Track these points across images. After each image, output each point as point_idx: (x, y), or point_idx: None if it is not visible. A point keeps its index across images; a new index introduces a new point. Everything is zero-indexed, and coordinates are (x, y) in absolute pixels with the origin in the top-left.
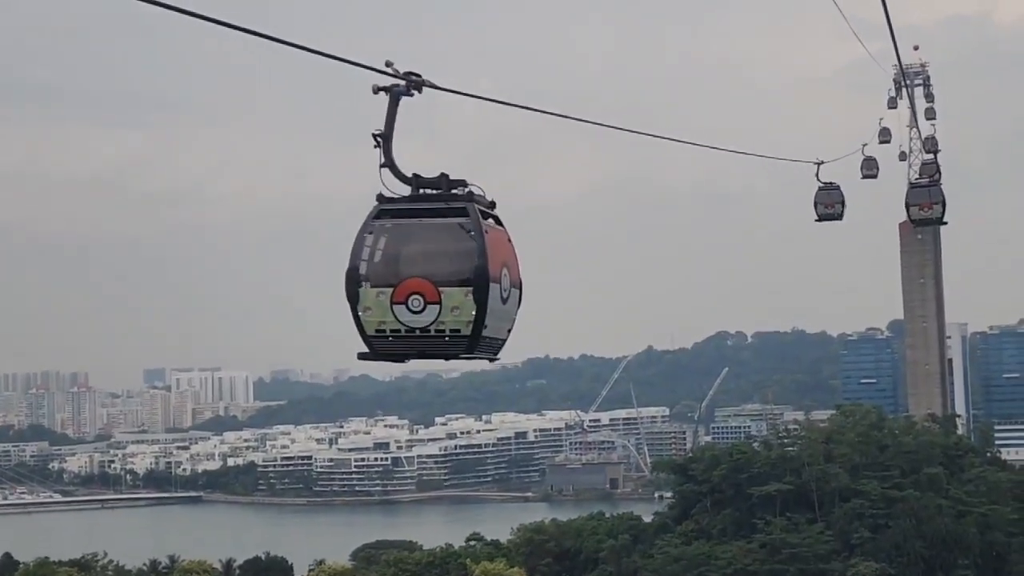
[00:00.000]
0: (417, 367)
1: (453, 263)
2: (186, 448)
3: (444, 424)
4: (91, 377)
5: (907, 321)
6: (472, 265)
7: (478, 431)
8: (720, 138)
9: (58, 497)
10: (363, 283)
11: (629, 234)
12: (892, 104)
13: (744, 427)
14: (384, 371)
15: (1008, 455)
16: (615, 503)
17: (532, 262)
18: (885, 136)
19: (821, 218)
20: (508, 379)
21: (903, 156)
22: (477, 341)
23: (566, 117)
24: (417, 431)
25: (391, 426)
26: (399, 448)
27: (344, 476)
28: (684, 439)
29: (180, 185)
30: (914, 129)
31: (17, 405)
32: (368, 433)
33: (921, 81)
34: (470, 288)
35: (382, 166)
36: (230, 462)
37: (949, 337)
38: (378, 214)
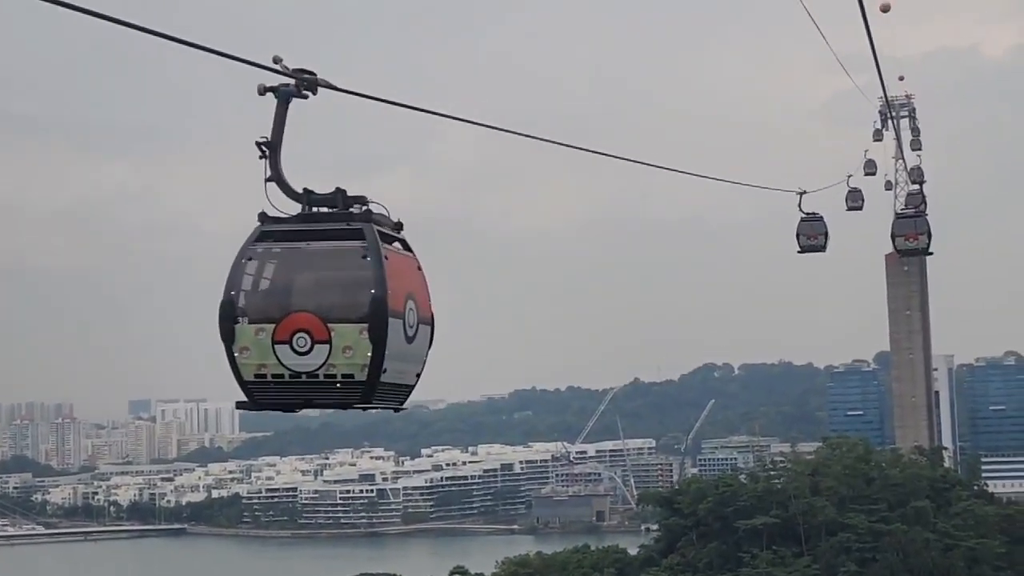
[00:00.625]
0: None
1: (345, 295)
2: (170, 480)
3: (430, 456)
4: (76, 408)
5: (893, 353)
6: (367, 297)
7: (464, 463)
8: (707, 169)
9: (41, 529)
10: (240, 318)
11: (616, 265)
12: (877, 136)
13: (731, 459)
14: None
15: (995, 488)
16: (601, 535)
17: (519, 292)
18: (870, 168)
19: (804, 249)
20: (494, 410)
21: (888, 186)
22: (374, 388)
23: (535, 138)
24: (403, 463)
25: (377, 458)
26: (384, 480)
27: (329, 508)
28: (671, 471)
29: (167, 216)
30: (900, 160)
31: (0, 436)
32: (354, 465)
33: (907, 112)
34: (365, 325)
35: (268, 180)
36: (215, 494)
37: (936, 369)
38: (260, 236)
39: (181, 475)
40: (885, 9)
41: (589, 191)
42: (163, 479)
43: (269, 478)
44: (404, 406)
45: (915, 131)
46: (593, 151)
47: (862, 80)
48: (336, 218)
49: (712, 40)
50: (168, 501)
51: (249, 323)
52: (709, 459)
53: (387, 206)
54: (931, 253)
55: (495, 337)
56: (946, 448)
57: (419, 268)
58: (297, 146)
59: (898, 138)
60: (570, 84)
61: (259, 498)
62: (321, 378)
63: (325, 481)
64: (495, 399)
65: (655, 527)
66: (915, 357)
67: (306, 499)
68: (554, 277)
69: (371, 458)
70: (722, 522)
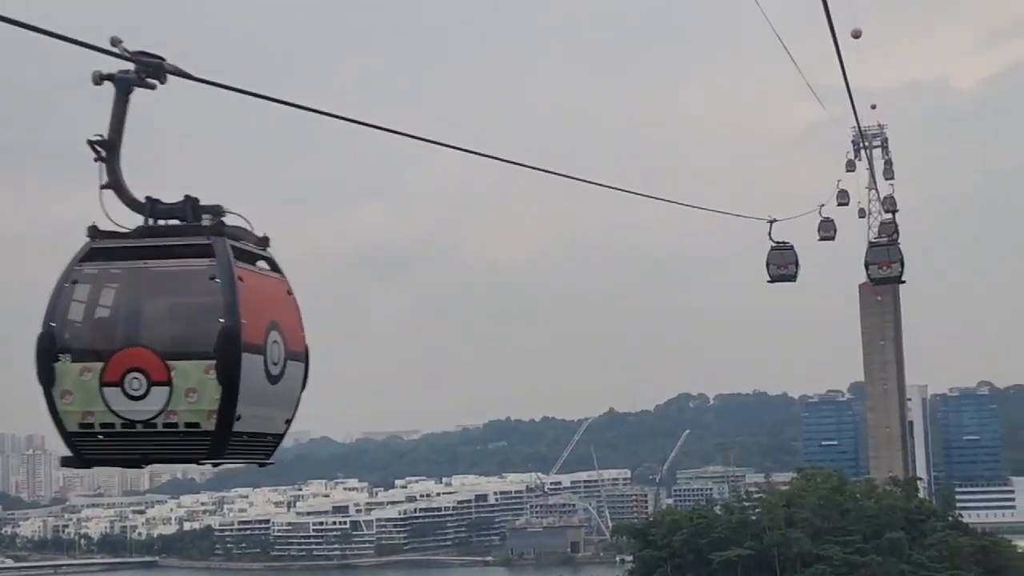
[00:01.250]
0: (378, 427)
1: (189, 325)
2: (142, 512)
3: (404, 487)
4: (47, 440)
5: (867, 383)
6: (215, 328)
7: (438, 494)
8: (681, 199)
9: (10, 563)
10: (61, 356)
11: (591, 295)
12: (850, 167)
13: (706, 489)
14: (344, 432)
15: (969, 518)
16: (576, 567)
17: (495, 321)
18: (843, 198)
19: (774, 279)
20: (470, 441)
21: (862, 213)
22: (226, 439)
23: (500, 159)
24: (376, 494)
25: (350, 489)
26: (358, 511)
27: (302, 540)
28: (646, 502)
29: None
30: (873, 190)
31: None
32: (327, 496)
33: (880, 143)
34: (212, 362)
35: (104, 187)
36: (186, 526)
37: (909, 399)
38: (89, 255)
39: (153, 507)
40: (856, 35)
41: (563, 222)
42: (134, 511)
43: (242, 510)
44: (271, 460)
45: (888, 161)
46: (569, 176)
47: (837, 111)
48: (182, 232)
49: (688, 72)
50: (139, 534)
51: (72, 361)
52: (684, 490)
53: (366, 233)
54: (904, 281)
55: (470, 367)
56: (920, 479)
57: (289, 292)
58: (274, 174)
59: (871, 167)
60: (544, 114)
61: (231, 530)
62: (160, 427)
63: (298, 513)
64: (470, 429)
65: (630, 558)
66: (889, 387)
67: (279, 531)
68: (529, 307)
69: (345, 489)
70: (696, 554)
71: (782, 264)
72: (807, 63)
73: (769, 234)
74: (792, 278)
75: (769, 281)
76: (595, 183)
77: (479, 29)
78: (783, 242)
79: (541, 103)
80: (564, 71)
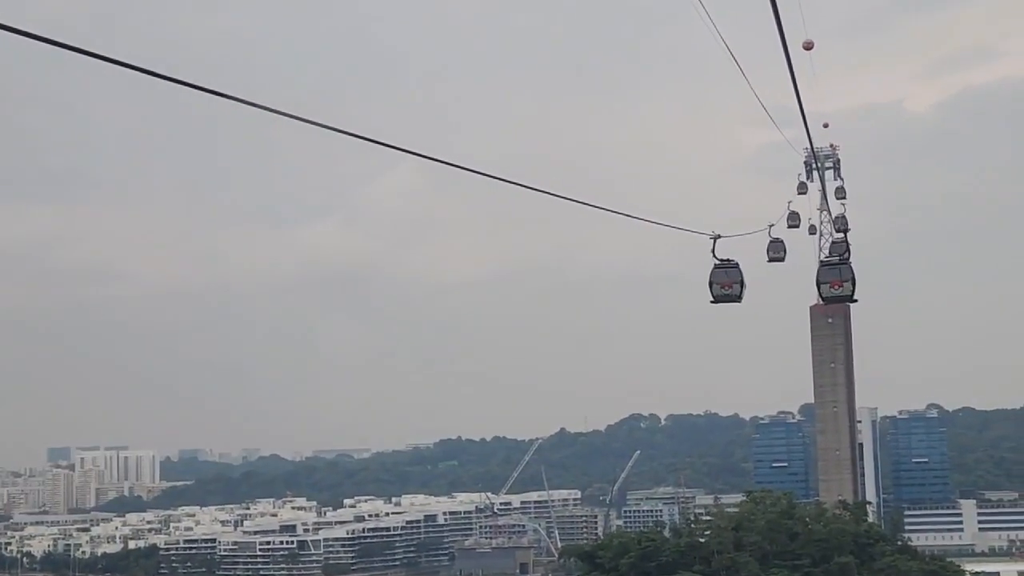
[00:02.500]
0: (328, 445)
1: None
2: (86, 530)
3: (353, 506)
4: None
5: (818, 406)
6: None
7: (387, 513)
8: (632, 222)
9: None
10: None
11: (543, 316)
12: (802, 189)
13: (656, 511)
14: (294, 451)
15: (917, 541)
16: None
17: (446, 341)
18: (794, 220)
19: (717, 299)
20: (420, 460)
21: (812, 230)
22: None
23: (465, 169)
24: (325, 513)
25: (298, 508)
26: (306, 531)
27: (248, 560)
28: (596, 522)
29: (90, 262)
30: (824, 212)
31: None
32: (275, 515)
33: (832, 164)
34: None
35: None
36: (131, 545)
37: (860, 422)
38: None
39: (98, 525)
40: (808, 47)
41: (516, 243)
42: (78, 530)
43: (188, 528)
44: None
45: (840, 181)
46: (523, 185)
47: (789, 133)
48: None
49: (640, 93)
50: (83, 552)
51: None
52: (634, 511)
53: (315, 251)
54: (855, 300)
55: (421, 386)
56: (870, 503)
57: None
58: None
59: (823, 188)
60: (498, 134)
61: (177, 549)
62: None
63: (245, 532)
64: (421, 448)
65: None
66: (839, 410)
67: (225, 550)
68: (481, 327)
69: (293, 508)
70: None
71: (726, 283)
72: (761, 85)
73: (712, 251)
74: (737, 298)
75: (712, 301)
76: (542, 191)
77: (433, 51)
78: (727, 260)
79: (495, 121)
80: (518, 89)
